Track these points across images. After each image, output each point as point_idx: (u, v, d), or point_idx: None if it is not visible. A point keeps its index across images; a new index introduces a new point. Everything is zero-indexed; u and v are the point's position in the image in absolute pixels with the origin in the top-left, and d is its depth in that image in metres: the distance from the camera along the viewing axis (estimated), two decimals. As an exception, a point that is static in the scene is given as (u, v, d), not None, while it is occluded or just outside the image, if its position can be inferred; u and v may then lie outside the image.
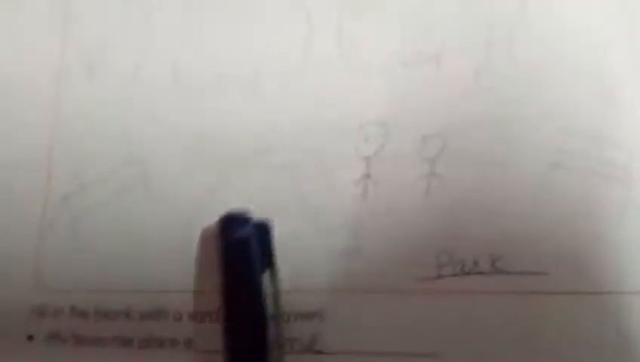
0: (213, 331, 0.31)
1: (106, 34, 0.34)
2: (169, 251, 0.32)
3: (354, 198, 0.31)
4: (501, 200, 0.30)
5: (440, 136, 0.31)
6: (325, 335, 0.30)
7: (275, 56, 0.33)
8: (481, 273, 0.29)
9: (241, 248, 0.30)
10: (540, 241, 0.29)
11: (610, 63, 0.30)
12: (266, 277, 0.30)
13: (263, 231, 0.31)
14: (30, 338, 0.32)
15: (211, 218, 0.31)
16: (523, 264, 0.29)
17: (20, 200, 0.34)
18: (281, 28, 0.33)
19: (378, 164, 0.31)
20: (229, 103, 0.33)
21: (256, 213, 0.31)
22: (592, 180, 0.29)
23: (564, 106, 0.30)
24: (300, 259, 0.31)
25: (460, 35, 0.32)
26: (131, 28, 0.34)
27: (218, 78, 0.33)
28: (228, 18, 0.34)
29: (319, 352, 0.30)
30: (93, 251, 0.33)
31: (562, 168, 0.30)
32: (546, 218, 0.29)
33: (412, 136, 0.31)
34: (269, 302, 0.30)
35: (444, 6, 0.32)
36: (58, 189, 0.34)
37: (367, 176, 0.31)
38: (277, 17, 0.33)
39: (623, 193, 0.29)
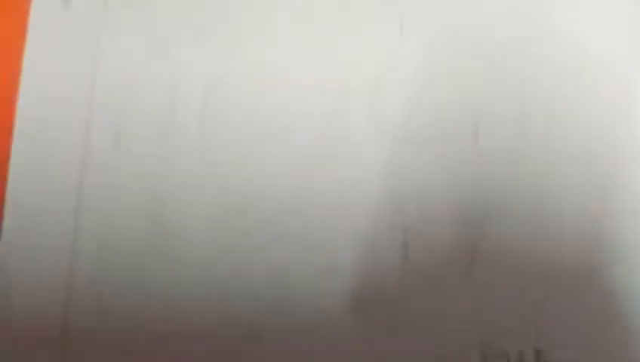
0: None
1: (132, 97, 0.34)
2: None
3: (391, 277, 0.30)
4: (543, 285, 0.29)
5: (480, 218, 0.30)
6: None
7: (303, 121, 0.32)
8: None
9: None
10: (582, 330, 0.29)
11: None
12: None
13: None
14: None
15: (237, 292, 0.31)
16: (567, 356, 0.28)
17: (45, 277, 0.33)
18: (313, 90, 0.33)
19: (416, 243, 0.30)
20: (255, 166, 0.32)
21: (289, 286, 0.30)
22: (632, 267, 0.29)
23: (599, 180, 0.30)
24: (325, 337, 0.30)
25: (496, 108, 0.31)
26: (156, 91, 0.34)
27: (244, 141, 0.33)
28: (256, 81, 0.33)
29: None
30: (118, 331, 0.32)
31: (600, 251, 0.30)
32: (586, 308, 0.29)
33: (451, 216, 0.30)
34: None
35: (481, 79, 0.31)
36: (83, 264, 0.33)
37: (405, 257, 0.30)
38: (309, 80, 0.33)
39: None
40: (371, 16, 0.33)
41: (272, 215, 0.32)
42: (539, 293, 0.29)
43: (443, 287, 0.30)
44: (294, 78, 0.33)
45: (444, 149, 0.31)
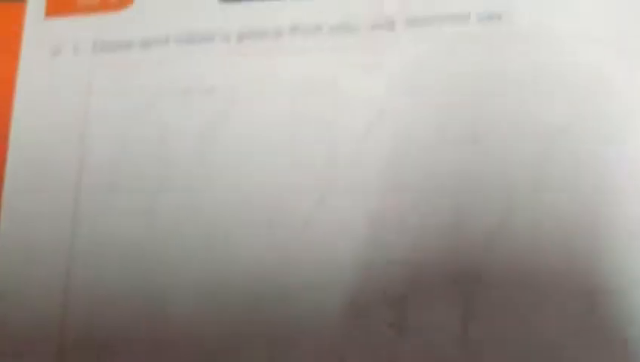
0: None
1: (121, 167, 0.33)
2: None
3: (386, 346, 0.29)
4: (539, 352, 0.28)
5: (473, 278, 0.29)
6: None
7: (295, 189, 0.31)
8: None
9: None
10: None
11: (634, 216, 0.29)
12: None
13: None
14: None
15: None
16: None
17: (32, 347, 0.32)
18: (303, 159, 0.32)
19: (410, 308, 0.29)
20: (249, 237, 0.31)
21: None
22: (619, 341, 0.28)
23: (587, 264, 0.28)
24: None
25: (482, 184, 0.30)
26: (147, 158, 0.33)
27: (237, 211, 0.32)
28: (246, 149, 0.32)
29: None
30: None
31: (587, 329, 0.28)
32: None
33: (443, 277, 0.29)
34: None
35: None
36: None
37: (399, 320, 0.29)
38: (298, 149, 0.32)
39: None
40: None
41: (268, 296, 0.31)
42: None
43: (437, 350, 0.29)
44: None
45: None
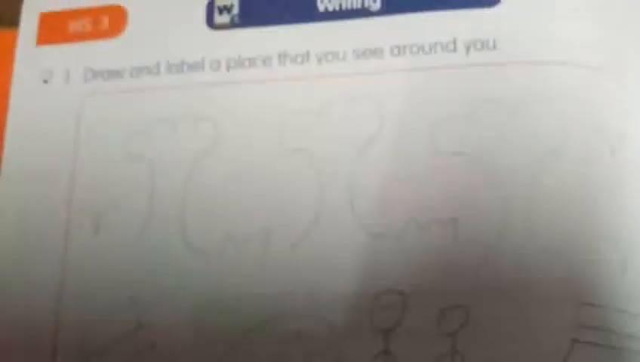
0: None
1: (111, 194, 0.33)
2: None
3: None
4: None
5: (461, 309, 0.29)
6: None
7: (284, 218, 0.31)
8: None
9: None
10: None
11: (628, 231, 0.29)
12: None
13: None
14: None
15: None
16: None
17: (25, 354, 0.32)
18: (292, 189, 0.32)
19: (397, 339, 0.29)
20: (238, 267, 0.31)
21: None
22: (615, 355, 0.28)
23: (583, 277, 0.28)
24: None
25: (477, 200, 0.30)
26: (137, 187, 0.33)
27: (226, 241, 0.32)
28: (235, 178, 0.32)
29: None
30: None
31: (583, 343, 0.28)
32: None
33: (432, 307, 0.29)
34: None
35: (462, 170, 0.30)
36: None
37: (386, 352, 0.29)
38: (287, 178, 0.32)
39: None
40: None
41: (257, 319, 0.31)
42: None
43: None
44: None
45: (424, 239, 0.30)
